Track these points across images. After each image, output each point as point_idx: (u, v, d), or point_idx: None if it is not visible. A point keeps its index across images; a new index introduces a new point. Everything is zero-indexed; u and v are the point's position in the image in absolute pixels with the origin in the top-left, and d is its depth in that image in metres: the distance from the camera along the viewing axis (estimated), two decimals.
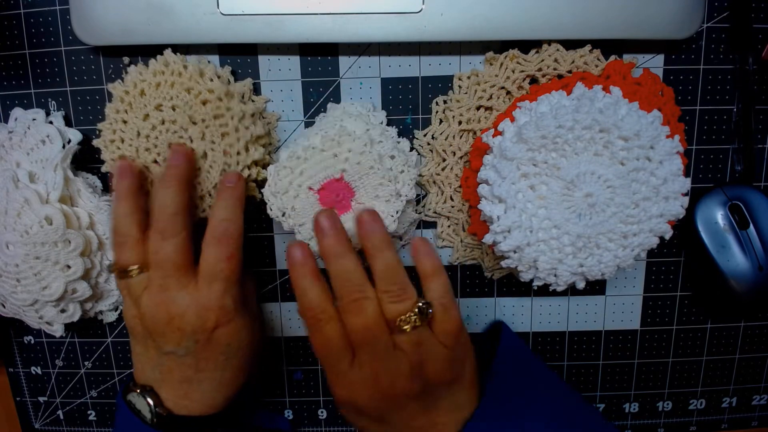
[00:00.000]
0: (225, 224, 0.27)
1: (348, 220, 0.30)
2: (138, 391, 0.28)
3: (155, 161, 0.31)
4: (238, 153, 0.31)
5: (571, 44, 0.31)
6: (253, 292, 0.34)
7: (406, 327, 0.24)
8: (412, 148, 0.34)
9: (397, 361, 0.24)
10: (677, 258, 0.36)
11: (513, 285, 0.37)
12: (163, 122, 0.30)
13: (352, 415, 0.28)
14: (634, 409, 0.39)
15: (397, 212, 0.30)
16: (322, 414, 0.40)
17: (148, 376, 0.29)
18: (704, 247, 0.33)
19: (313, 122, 0.33)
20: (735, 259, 0.33)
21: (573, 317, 0.37)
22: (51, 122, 0.33)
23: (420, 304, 0.25)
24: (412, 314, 0.24)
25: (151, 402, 0.28)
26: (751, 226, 0.33)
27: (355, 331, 0.24)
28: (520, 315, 0.38)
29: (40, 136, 0.32)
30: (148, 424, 0.28)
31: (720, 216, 0.33)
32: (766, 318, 0.37)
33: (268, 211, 0.31)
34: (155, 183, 0.28)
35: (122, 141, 0.31)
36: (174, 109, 0.30)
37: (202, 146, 0.31)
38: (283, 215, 0.31)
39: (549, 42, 0.31)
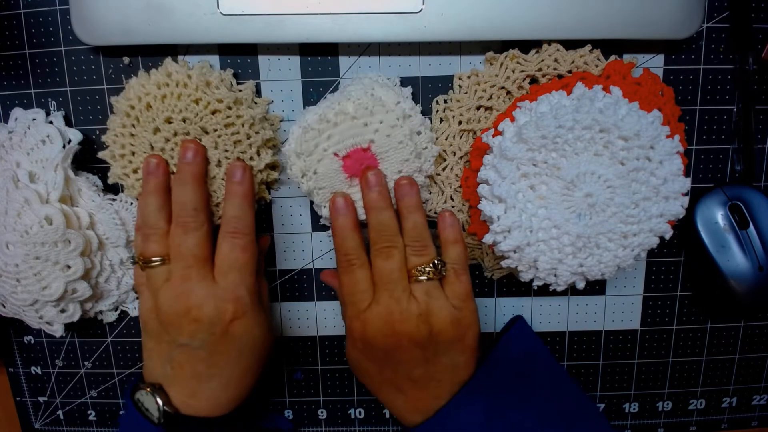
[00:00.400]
0: (236, 220, 0.29)
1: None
2: (147, 389, 0.29)
3: (171, 173, 0.31)
4: (251, 159, 0.31)
5: (571, 44, 0.31)
6: (266, 293, 0.34)
7: (422, 277, 0.29)
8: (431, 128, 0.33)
9: (409, 304, 0.28)
10: (677, 258, 0.36)
11: (513, 285, 0.37)
12: (175, 134, 0.30)
13: (359, 356, 0.30)
14: (634, 409, 0.39)
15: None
16: (322, 414, 0.40)
17: (158, 373, 0.29)
18: (704, 247, 0.33)
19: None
20: (735, 259, 0.33)
21: (573, 317, 0.37)
22: (51, 122, 0.33)
23: (436, 260, 0.29)
24: (428, 267, 0.29)
25: (159, 400, 0.28)
26: (751, 226, 0.33)
27: (381, 272, 0.29)
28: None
29: (40, 136, 0.32)
30: (155, 423, 0.28)
31: (720, 216, 0.33)
32: (766, 318, 0.37)
33: (288, 171, 0.31)
34: (173, 179, 0.30)
35: (133, 154, 0.31)
36: (185, 121, 0.30)
37: (216, 155, 0.31)
38: (303, 177, 0.30)
39: (549, 42, 0.31)
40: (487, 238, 0.30)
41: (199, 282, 0.28)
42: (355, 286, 0.29)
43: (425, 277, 0.29)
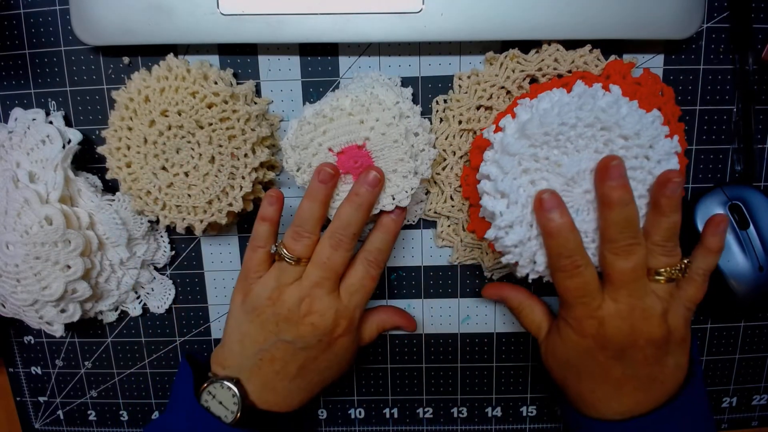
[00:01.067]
0: (378, 252, 0.31)
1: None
2: (221, 381, 0.30)
3: (163, 168, 0.31)
4: (246, 155, 0.31)
5: (571, 44, 0.31)
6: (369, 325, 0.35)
7: (661, 279, 0.28)
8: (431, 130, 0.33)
9: (652, 302, 0.28)
10: None
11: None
12: (169, 128, 0.30)
13: (582, 352, 0.29)
14: None
15: (412, 189, 0.30)
16: (322, 414, 0.40)
17: (242, 364, 0.31)
18: None
19: None
20: (735, 259, 0.33)
21: None
22: (51, 122, 0.33)
23: (684, 263, 0.28)
24: (675, 269, 0.28)
25: (238, 392, 0.30)
26: (751, 226, 0.33)
27: (621, 271, 0.27)
28: None
29: (40, 136, 0.32)
30: (225, 420, 0.29)
31: None
32: (766, 318, 0.37)
33: (284, 164, 0.31)
34: (348, 195, 0.29)
35: (128, 148, 0.31)
36: (180, 114, 0.30)
37: (210, 150, 0.31)
38: (298, 170, 0.31)
39: (549, 42, 0.31)
40: (489, 234, 0.30)
41: (328, 293, 0.30)
42: (587, 287, 0.28)
43: (665, 278, 0.28)
